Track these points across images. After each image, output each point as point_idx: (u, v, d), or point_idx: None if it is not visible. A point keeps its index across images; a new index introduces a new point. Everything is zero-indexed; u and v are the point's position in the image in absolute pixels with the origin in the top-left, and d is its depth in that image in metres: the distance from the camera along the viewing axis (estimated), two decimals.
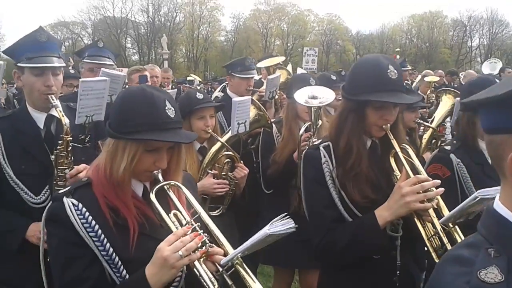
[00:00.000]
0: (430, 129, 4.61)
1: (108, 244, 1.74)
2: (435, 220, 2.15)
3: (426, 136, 4.65)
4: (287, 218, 1.72)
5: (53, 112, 2.74)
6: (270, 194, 3.85)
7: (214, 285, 1.66)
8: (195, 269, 1.68)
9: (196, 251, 1.67)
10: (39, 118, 2.76)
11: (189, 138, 1.93)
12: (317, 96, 3.57)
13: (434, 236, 2.19)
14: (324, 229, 2.30)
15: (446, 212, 2.16)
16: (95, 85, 2.70)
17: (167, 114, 1.79)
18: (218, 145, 3.35)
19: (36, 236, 2.62)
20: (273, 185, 3.78)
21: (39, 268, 2.08)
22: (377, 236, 2.19)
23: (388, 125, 2.30)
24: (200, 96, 3.41)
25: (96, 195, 1.82)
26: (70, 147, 2.62)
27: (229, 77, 4.71)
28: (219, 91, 7.28)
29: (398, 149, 2.28)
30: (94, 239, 1.74)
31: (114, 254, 1.75)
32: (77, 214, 1.75)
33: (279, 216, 1.73)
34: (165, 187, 1.88)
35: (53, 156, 2.66)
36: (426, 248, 2.26)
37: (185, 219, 1.82)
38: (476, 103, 1.12)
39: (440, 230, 2.14)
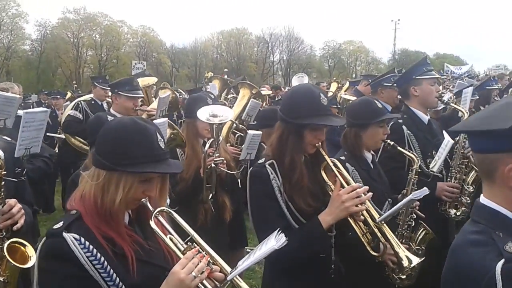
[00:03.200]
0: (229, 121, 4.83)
1: (114, 274, 1.80)
2: (369, 220, 2.66)
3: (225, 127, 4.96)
4: (280, 233, 2.02)
5: None
6: (175, 211, 3.97)
7: None
8: (202, 287, 1.81)
9: (204, 271, 1.82)
10: None
11: (179, 168, 2.06)
12: (217, 114, 3.86)
13: (367, 233, 2.70)
14: None
15: (373, 212, 2.70)
16: (37, 116, 2.56)
17: (159, 146, 1.91)
18: None
19: None
20: (181, 201, 3.92)
21: None
22: (325, 239, 2.61)
23: (320, 143, 2.73)
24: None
25: (90, 227, 1.85)
26: (3, 182, 2.45)
27: (115, 96, 4.66)
28: (72, 109, 6.94)
29: (330, 163, 2.73)
30: (101, 270, 1.78)
31: (120, 283, 1.81)
32: (81, 248, 1.77)
33: (274, 235, 2.02)
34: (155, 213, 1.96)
35: None
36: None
37: (179, 242, 1.94)
38: (472, 133, 1.57)
39: (374, 226, 2.65)
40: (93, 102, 7.47)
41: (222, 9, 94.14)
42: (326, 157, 2.73)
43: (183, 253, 1.88)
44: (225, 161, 3.85)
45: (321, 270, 2.74)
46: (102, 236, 1.84)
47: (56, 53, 49.85)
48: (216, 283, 1.86)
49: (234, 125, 4.98)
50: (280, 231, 2.04)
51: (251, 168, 2.83)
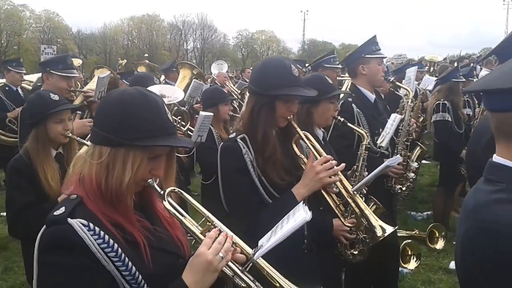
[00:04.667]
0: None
1: (130, 263, 1.59)
2: (343, 191, 2.64)
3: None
4: (306, 205, 1.93)
5: None
6: None
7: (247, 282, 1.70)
8: (227, 269, 1.69)
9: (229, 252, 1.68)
10: None
11: (190, 143, 1.88)
12: (165, 94, 3.68)
13: (340, 204, 2.69)
14: (251, 213, 2.54)
15: (346, 183, 2.69)
16: None
17: (168, 118, 1.73)
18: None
19: None
20: None
21: None
22: None
23: (292, 116, 2.67)
24: (55, 97, 3.11)
25: (95, 212, 1.62)
26: None
27: (46, 75, 4.24)
28: None
29: (302, 135, 2.68)
30: (115, 259, 1.56)
31: (137, 272, 1.60)
32: (91, 235, 1.53)
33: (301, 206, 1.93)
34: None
35: None
36: None
37: (194, 224, 1.78)
38: (493, 91, 1.53)
39: (348, 196, 2.65)
40: (7, 88, 7.00)
41: None
42: (298, 129, 2.67)
43: (203, 234, 1.73)
44: None
45: (294, 245, 2.69)
46: (109, 222, 1.61)
47: None
48: (238, 266, 1.72)
49: (176, 107, 4.78)
50: (305, 203, 1.95)
51: (222, 143, 2.71)
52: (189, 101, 4.85)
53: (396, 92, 6.45)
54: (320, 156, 2.65)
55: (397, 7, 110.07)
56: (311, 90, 2.70)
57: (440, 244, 6.04)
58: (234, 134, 2.66)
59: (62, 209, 1.58)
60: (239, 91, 8.26)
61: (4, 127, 6.08)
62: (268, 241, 1.80)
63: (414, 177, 4.13)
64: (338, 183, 2.64)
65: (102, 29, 58.58)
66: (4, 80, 7.16)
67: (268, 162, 2.57)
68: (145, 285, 1.63)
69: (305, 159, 2.67)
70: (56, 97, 3.10)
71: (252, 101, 2.65)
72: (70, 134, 3.12)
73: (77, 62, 6.00)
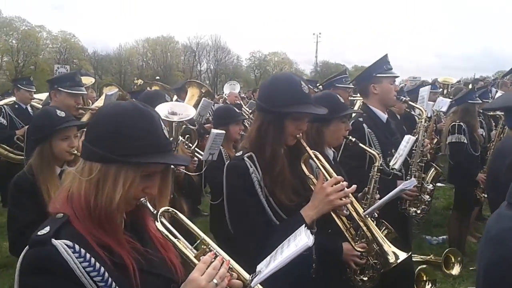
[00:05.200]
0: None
1: None
2: (354, 214, 2.52)
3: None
4: (307, 229, 1.84)
5: None
6: None
7: None
8: None
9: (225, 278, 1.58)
10: None
11: (187, 160, 1.79)
12: (176, 112, 3.61)
13: (350, 228, 2.57)
14: (258, 235, 2.42)
15: (357, 206, 2.57)
16: None
17: (164, 135, 1.64)
18: None
19: None
20: None
21: None
22: None
23: (301, 134, 2.57)
24: (61, 114, 3.06)
25: (82, 232, 1.52)
26: None
27: (54, 92, 4.22)
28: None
29: (312, 155, 2.58)
30: (101, 284, 1.46)
31: None
32: (76, 257, 1.44)
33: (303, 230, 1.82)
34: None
35: None
36: None
37: (188, 247, 1.69)
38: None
39: (359, 220, 2.52)
40: (16, 106, 7.05)
41: (147, 17, 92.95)
42: (308, 148, 2.59)
43: (197, 258, 1.62)
44: None
45: (302, 269, 2.58)
46: (97, 244, 1.52)
47: None
48: None
49: (184, 126, 4.71)
50: (306, 226, 1.86)
51: (228, 162, 2.62)
52: (198, 120, 4.80)
53: (412, 113, 6.34)
54: (330, 176, 2.55)
55: (409, 29, 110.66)
56: (321, 108, 2.61)
57: (456, 270, 5.82)
58: (241, 152, 2.57)
59: (47, 229, 1.49)
60: (250, 111, 8.22)
61: (12, 145, 6.11)
62: (267, 266, 1.69)
63: (429, 199, 3.97)
64: (349, 205, 2.52)
65: (117, 50, 59.79)
66: (14, 98, 7.22)
67: (276, 181, 2.47)
68: None
69: (314, 180, 2.57)
70: (62, 114, 3.06)
71: (259, 118, 2.57)
72: (76, 152, 3.06)
73: (89, 80, 6.01)
